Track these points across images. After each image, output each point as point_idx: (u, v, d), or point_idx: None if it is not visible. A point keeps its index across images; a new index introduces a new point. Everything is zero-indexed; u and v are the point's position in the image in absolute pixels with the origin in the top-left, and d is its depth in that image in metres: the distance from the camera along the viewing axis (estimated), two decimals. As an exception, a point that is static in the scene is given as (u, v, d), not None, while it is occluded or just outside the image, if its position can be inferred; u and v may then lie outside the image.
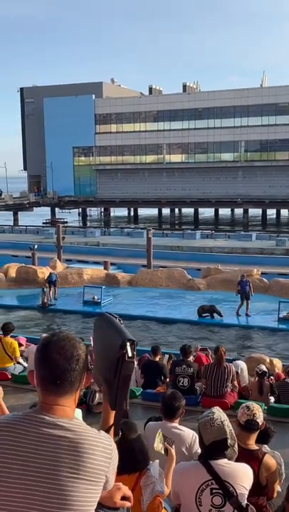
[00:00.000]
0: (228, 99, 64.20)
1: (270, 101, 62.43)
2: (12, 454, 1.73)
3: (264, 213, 66.15)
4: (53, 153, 71.66)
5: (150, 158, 70.57)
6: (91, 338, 2.38)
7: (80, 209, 73.65)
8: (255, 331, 19.52)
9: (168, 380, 9.30)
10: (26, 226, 52.93)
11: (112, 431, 2.03)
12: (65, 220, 62.30)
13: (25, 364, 10.58)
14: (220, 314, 20.36)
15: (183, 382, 8.65)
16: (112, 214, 75.67)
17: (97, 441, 1.78)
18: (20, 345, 11.87)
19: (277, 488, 4.33)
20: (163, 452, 3.95)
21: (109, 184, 70.67)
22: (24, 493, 1.70)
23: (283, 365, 12.24)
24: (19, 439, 1.74)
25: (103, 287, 23.27)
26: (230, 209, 72.90)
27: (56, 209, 71.81)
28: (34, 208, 72.15)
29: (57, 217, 68.57)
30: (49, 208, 71.83)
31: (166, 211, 69.75)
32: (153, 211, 73.74)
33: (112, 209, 74.70)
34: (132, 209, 75.58)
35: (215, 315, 20.40)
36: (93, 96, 70.98)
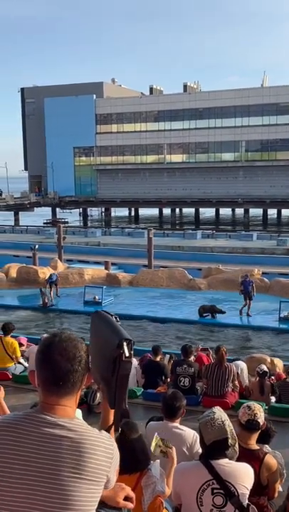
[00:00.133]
0: (229, 99, 64.21)
1: (270, 101, 62.43)
2: (13, 453, 1.73)
3: (265, 213, 66.12)
4: (54, 154, 71.69)
5: (151, 158, 70.59)
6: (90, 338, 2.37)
7: (81, 209, 73.68)
8: (256, 331, 19.51)
9: (169, 380, 9.29)
10: (27, 226, 52.95)
11: (112, 430, 2.03)
12: (66, 220, 62.34)
13: (26, 364, 10.59)
14: (222, 312, 20.33)
15: (184, 382, 8.65)
16: (112, 214, 75.69)
17: (98, 441, 1.79)
18: (21, 345, 11.89)
19: (278, 488, 4.32)
20: (162, 455, 3.95)
21: (110, 184, 70.69)
22: (26, 492, 1.70)
23: (284, 365, 12.22)
24: (20, 439, 1.74)
25: (104, 287, 23.26)
26: (231, 209, 72.89)
27: (57, 209, 71.84)
28: (35, 208, 72.18)
29: (58, 217, 68.60)
30: (50, 208, 71.86)
31: (167, 211, 69.76)
32: (154, 211, 73.73)
33: (112, 209, 74.70)
34: (132, 209, 75.58)
35: (217, 313, 20.37)
36: (94, 96, 71.01)
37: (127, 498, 2.02)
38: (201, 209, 69.07)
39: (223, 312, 20.38)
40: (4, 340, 10.34)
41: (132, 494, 2.04)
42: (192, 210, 70.33)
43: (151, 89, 77.22)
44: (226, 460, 3.12)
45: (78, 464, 1.72)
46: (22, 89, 79.59)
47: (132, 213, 75.93)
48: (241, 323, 20.11)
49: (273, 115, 63.07)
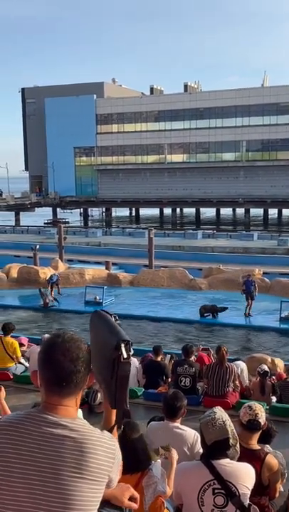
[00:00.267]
0: (230, 98, 64.21)
1: (271, 101, 62.42)
2: (16, 453, 1.74)
3: (265, 213, 66.11)
4: (55, 154, 71.71)
5: (151, 158, 70.60)
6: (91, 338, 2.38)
7: (82, 209, 73.69)
8: (256, 331, 19.51)
9: (170, 379, 9.29)
10: (28, 226, 52.98)
11: (115, 430, 2.03)
12: (67, 220, 62.39)
13: (27, 364, 10.60)
14: (224, 308, 20.28)
15: (185, 382, 8.64)
16: (113, 214, 75.72)
17: (100, 441, 1.79)
18: (22, 345, 11.89)
19: (280, 487, 4.32)
20: (164, 458, 3.97)
21: (111, 184, 70.70)
22: (28, 492, 1.71)
23: (285, 365, 12.23)
24: (23, 439, 1.75)
25: (105, 287, 23.26)
26: (231, 209, 72.91)
27: (58, 209, 71.86)
28: (36, 208, 72.21)
29: (58, 217, 68.64)
30: (50, 208, 71.89)
31: (167, 211, 69.77)
32: (154, 211, 73.73)
33: (113, 209, 74.74)
34: (133, 209, 75.61)
35: (220, 312, 20.35)
36: (94, 96, 71.04)
37: (131, 499, 2.02)
38: (201, 209, 69.06)
39: (226, 308, 20.34)
40: (4, 340, 10.34)
41: (137, 495, 2.05)
42: (193, 210, 70.33)
43: (151, 89, 77.24)
44: (227, 460, 3.11)
45: (80, 463, 1.72)
46: (23, 90, 79.66)
47: (133, 213, 75.96)
48: (242, 323, 20.09)
49: (274, 115, 63.07)
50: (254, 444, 4.09)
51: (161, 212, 71.73)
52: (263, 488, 3.98)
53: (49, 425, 1.76)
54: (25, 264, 27.84)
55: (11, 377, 10.01)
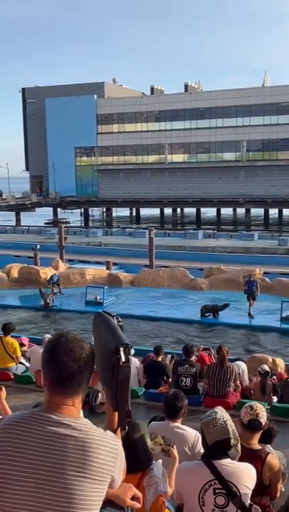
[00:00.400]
0: (230, 98, 64.19)
1: (271, 100, 62.40)
2: (19, 452, 1.75)
3: (266, 213, 66.10)
4: (55, 154, 71.73)
5: (152, 158, 70.60)
6: (92, 338, 2.37)
7: (82, 209, 73.73)
8: (257, 331, 19.50)
9: (170, 379, 9.29)
10: (28, 226, 53.02)
11: (118, 432, 2.03)
12: (67, 220, 62.39)
13: (28, 364, 10.60)
14: (225, 305, 20.25)
15: (185, 382, 8.64)
16: (114, 214, 75.72)
17: (103, 440, 1.80)
18: (22, 345, 11.89)
19: (281, 487, 4.32)
20: (164, 454, 3.96)
21: (111, 184, 70.71)
22: (31, 491, 1.72)
23: (286, 365, 12.21)
24: (27, 437, 1.76)
25: (105, 287, 23.26)
26: (232, 209, 72.90)
27: (58, 209, 71.89)
28: (36, 209, 72.24)
29: (59, 217, 68.64)
30: (51, 208, 71.91)
31: (168, 211, 69.76)
32: (155, 211, 73.73)
33: (114, 209, 74.75)
34: (134, 209, 75.64)
35: (221, 310, 20.32)
36: (95, 96, 71.04)
37: (134, 498, 2.03)
38: (202, 209, 69.08)
39: (227, 304, 20.31)
40: (4, 340, 10.34)
41: (140, 494, 2.05)
42: (193, 210, 70.33)
43: (152, 89, 77.22)
44: (228, 460, 3.11)
45: (83, 462, 1.73)
46: (23, 90, 79.68)
47: (134, 213, 75.98)
48: (243, 323, 20.09)
49: (274, 115, 63.04)
50: (255, 444, 4.08)
51: (162, 212, 71.74)
52: (264, 488, 3.98)
53: (53, 424, 1.77)
54: (26, 264, 27.85)
55: (12, 377, 10.02)
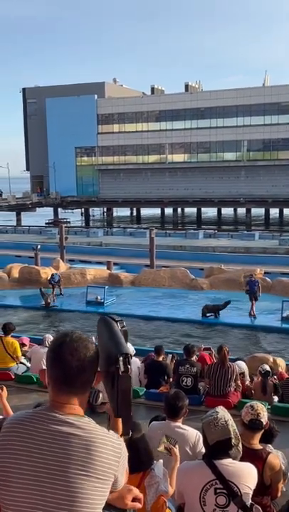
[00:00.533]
0: (231, 98, 64.16)
1: (272, 100, 62.38)
2: (23, 450, 1.76)
3: (267, 213, 66.09)
4: (56, 154, 71.75)
5: (152, 158, 70.59)
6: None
7: (83, 209, 73.76)
8: (258, 331, 19.50)
9: (171, 379, 9.29)
10: (29, 226, 53.08)
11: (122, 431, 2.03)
12: (68, 220, 62.40)
13: (29, 364, 10.61)
14: (227, 304, 20.22)
15: (186, 382, 8.64)
16: (114, 214, 75.70)
17: (107, 439, 1.80)
18: (23, 345, 11.90)
19: (282, 487, 4.32)
20: (166, 453, 3.96)
21: (112, 184, 70.71)
22: (34, 489, 1.72)
23: (287, 365, 12.22)
24: (31, 436, 1.77)
25: (106, 287, 23.26)
26: (232, 208, 72.84)
27: (59, 209, 71.91)
28: (37, 209, 72.28)
29: (59, 217, 68.67)
30: (52, 208, 71.93)
31: (168, 211, 69.77)
32: (156, 211, 73.73)
33: (114, 209, 74.72)
34: (134, 209, 75.65)
35: (224, 308, 20.31)
36: (95, 96, 71.04)
37: (134, 499, 2.02)
38: (202, 209, 69.08)
39: (229, 302, 20.28)
40: (5, 340, 10.34)
41: (140, 495, 2.05)
42: (194, 209, 70.34)
43: (152, 88, 77.21)
44: (230, 460, 3.11)
45: (86, 461, 1.74)
46: (24, 90, 79.68)
47: (134, 213, 75.99)
48: (243, 323, 20.09)
49: (275, 114, 63.02)
50: (256, 443, 4.08)
51: (163, 212, 71.74)
52: (265, 488, 3.98)
53: (57, 423, 1.78)
54: (27, 264, 27.88)
55: (13, 377, 10.02)
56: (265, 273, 25.04)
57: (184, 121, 67.64)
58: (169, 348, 13.25)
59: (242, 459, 3.25)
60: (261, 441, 4.20)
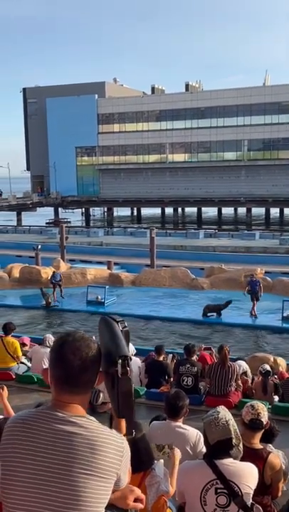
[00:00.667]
0: (231, 98, 64.13)
1: (272, 100, 62.35)
2: (27, 449, 1.77)
3: (267, 212, 66.06)
4: (56, 153, 71.74)
5: (153, 158, 70.57)
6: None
7: (83, 209, 73.71)
8: (259, 330, 19.50)
9: (172, 379, 9.29)
10: (30, 226, 53.07)
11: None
12: (68, 220, 62.37)
13: (29, 364, 10.61)
14: (228, 303, 20.21)
15: (187, 382, 8.64)
16: (115, 214, 75.67)
17: (109, 438, 1.82)
18: (24, 345, 11.91)
19: (282, 487, 4.32)
20: (167, 457, 3.97)
21: (112, 184, 70.71)
22: (38, 488, 1.73)
23: (287, 364, 12.21)
24: (34, 435, 1.78)
25: (107, 287, 23.25)
26: (233, 208, 72.81)
27: (59, 209, 71.89)
28: (37, 208, 72.26)
29: (60, 217, 68.65)
30: (52, 208, 71.91)
31: (169, 211, 69.75)
32: (156, 211, 73.72)
33: (115, 209, 74.69)
34: (135, 209, 75.61)
35: (226, 307, 20.29)
36: (96, 96, 71.03)
37: (136, 500, 2.03)
38: (203, 208, 69.05)
39: (230, 302, 20.26)
40: (5, 340, 10.34)
41: (143, 496, 2.05)
42: (194, 209, 70.31)
43: (153, 88, 77.17)
44: (230, 460, 3.12)
45: (89, 460, 1.75)
46: (24, 90, 79.66)
47: (135, 213, 75.97)
48: (244, 323, 20.09)
49: (275, 114, 62.99)
50: (256, 443, 4.09)
51: (163, 211, 71.71)
52: (265, 488, 3.98)
53: (60, 422, 1.79)
54: (27, 264, 27.88)
55: (14, 377, 10.02)
56: (265, 272, 25.02)
57: (184, 121, 67.62)
58: (169, 348, 13.25)
59: (242, 459, 3.26)
60: (262, 440, 4.20)
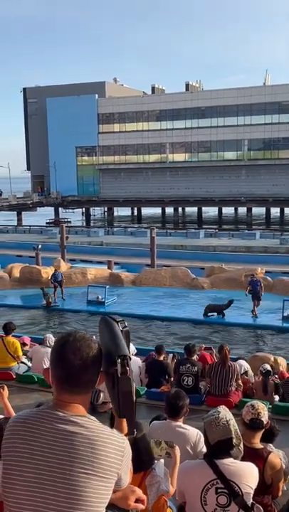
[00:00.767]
0: (231, 97, 64.12)
1: (273, 99, 62.35)
2: (28, 449, 1.78)
3: (268, 212, 66.04)
4: (56, 153, 71.74)
5: (153, 158, 70.56)
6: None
7: (84, 209, 73.69)
8: (259, 330, 19.49)
9: (172, 379, 9.29)
10: (30, 226, 53.07)
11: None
12: (69, 220, 62.37)
13: (30, 364, 10.61)
14: (230, 303, 20.19)
15: (187, 381, 8.64)
16: (115, 213, 75.68)
17: (110, 438, 1.82)
18: (24, 345, 11.92)
19: (283, 486, 4.32)
20: (167, 456, 3.96)
21: (113, 184, 70.71)
22: (39, 487, 1.74)
23: (288, 364, 12.21)
24: (35, 435, 1.79)
25: (107, 287, 23.24)
26: (233, 208, 72.83)
27: (60, 209, 71.88)
28: (38, 208, 72.25)
29: (60, 217, 68.64)
30: (52, 208, 71.90)
31: (169, 210, 69.74)
32: (156, 210, 73.71)
33: (115, 208, 74.70)
34: (135, 208, 75.61)
35: (227, 308, 20.27)
36: (96, 96, 71.02)
37: (137, 500, 2.03)
38: (203, 208, 69.03)
39: (232, 301, 20.25)
40: (5, 339, 10.35)
41: (144, 497, 2.06)
42: (195, 209, 70.30)
43: (153, 88, 77.16)
44: (231, 459, 3.12)
45: (90, 459, 1.75)
46: (24, 89, 79.65)
47: (135, 213, 75.97)
48: (244, 322, 20.08)
49: (276, 114, 62.99)
50: (257, 443, 4.09)
51: (163, 211, 71.72)
52: (266, 487, 3.98)
53: (61, 422, 1.80)
54: (28, 264, 27.88)
55: (14, 376, 10.02)
56: (266, 272, 25.00)
57: (184, 121, 67.61)
58: (169, 348, 13.25)
59: (243, 459, 3.26)
60: (262, 440, 4.20)
